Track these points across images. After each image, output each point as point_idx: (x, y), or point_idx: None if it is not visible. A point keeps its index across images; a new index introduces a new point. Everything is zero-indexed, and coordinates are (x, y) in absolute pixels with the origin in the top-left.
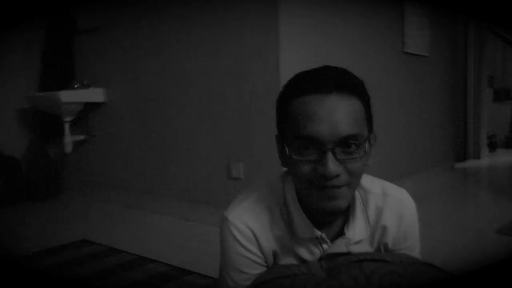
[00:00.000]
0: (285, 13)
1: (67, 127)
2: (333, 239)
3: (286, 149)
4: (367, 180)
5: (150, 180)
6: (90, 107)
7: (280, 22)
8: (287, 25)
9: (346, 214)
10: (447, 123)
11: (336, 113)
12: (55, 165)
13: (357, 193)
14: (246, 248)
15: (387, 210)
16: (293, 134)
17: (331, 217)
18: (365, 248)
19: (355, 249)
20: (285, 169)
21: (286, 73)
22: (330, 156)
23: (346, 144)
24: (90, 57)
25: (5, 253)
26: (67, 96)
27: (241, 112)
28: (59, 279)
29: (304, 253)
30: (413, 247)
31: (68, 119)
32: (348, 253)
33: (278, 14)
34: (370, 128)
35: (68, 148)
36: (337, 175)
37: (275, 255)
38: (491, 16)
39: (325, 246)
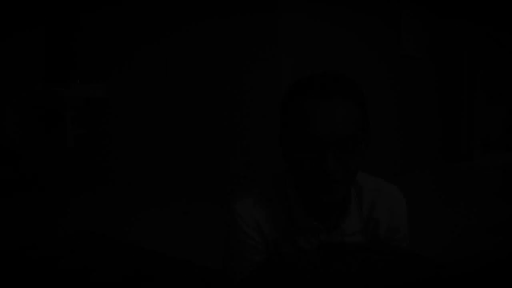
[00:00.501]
0: (285, 15)
1: (69, 121)
2: (329, 230)
3: (289, 147)
4: (361, 177)
5: (151, 174)
6: (91, 102)
7: (280, 24)
8: (287, 27)
9: (342, 207)
10: (441, 123)
11: (335, 116)
12: (56, 158)
13: (352, 189)
14: (250, 237)
15: (379, 204)
16: (295, 134)
17: (328, 209)
18: (358, 239)
19: (350, 240)
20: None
21: (286, 73)
22: (329, 154)
23: (344, 143)
24: (92, 54)
25: (6, 244)
26: (69, 91)
27: (241, 109)
28: (61, 270)
29: (303, 242)
30: (403, 239)
31: (70, 113)
32: (343, 243)
33: (278, 16)
34: (366, 129)
35: (70, 142)
36: (335, 172)
37: (276, 243)
38: (486, 19)
39: (322, 236)
